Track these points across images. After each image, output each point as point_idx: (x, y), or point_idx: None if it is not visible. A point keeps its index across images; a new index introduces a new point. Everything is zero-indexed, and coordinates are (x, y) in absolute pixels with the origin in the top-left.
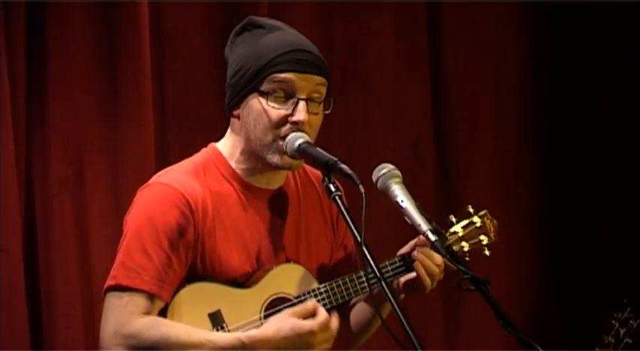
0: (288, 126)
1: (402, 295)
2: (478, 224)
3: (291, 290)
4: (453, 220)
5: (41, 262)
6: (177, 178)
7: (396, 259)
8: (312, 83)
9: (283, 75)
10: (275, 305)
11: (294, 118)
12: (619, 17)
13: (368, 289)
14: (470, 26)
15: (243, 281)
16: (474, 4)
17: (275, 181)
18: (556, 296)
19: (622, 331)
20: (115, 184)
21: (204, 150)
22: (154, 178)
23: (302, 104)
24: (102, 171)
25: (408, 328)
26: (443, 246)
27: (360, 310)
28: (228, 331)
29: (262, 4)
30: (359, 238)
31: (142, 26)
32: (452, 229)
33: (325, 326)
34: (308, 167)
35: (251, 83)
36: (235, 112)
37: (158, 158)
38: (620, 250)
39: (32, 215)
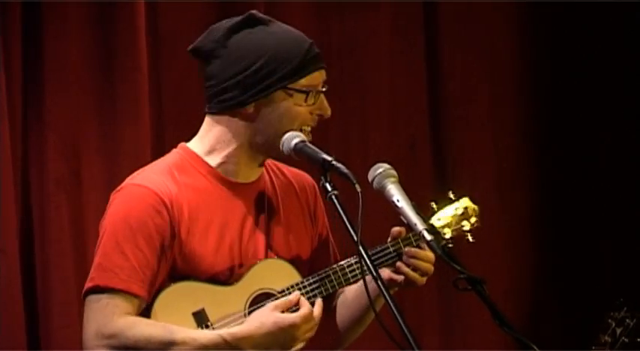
0: (314, 118)
1: (395, 289)
2: (460, 211)
3: (274, 285)
4: (434, 207)
5: (38, 262)
6: (150, 178)
7: (389, 245)
8: (324, 76)
9: (313, 73)
10: (259, 301)
11: (323, 112)
12: (619, 17)
13: (366, 289)
14: (467, 25)
15: (224, 278)
16: (471, 3)
17: (253, 175)
18: (553, 296)
19: (618, 331)
20: (111, 183)
21: (174, 151)
22: (127, 181)
23: (323, 97)
24: (98, 170)
25: (404, 327)
26: (439, 245)
27: (352, 305)
28: (213, 329)
29: (259, 3)
30: (355, 238)
31: (139, 25)
32: (434, 217)
33: (308, 318)
34: (282, 165)
35: (281, 82)
36: (242, 110)
37: (155, 157)
38: (617, 250)
39: (29, 214)
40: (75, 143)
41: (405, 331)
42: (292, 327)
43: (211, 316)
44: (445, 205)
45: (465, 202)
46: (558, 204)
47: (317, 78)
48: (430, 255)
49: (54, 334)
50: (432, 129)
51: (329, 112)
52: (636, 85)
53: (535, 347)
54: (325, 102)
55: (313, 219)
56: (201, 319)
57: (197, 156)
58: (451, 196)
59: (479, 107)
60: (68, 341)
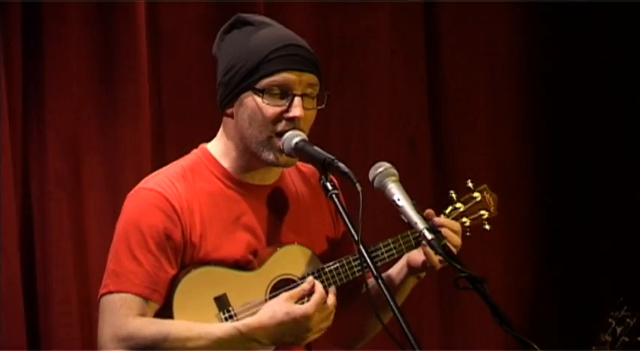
0: (284, 122)
1: (413, 279)
2: (478, 199)
3: (296, 271)
4: (454, 195)
5: (38, 260)
6: (161, 182)
7: (408, 233)
8: (305, 80)
9: (278, 73)
10: (280, 287)
11: (291, 114)
12: (618, 17)
13: (366, 287)
14: (466, 25)
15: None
16: (471, 3)
17: (270, 177)
18: (553, 295)
19: (619, 330)
20: (111, 182)
21: (193, 151)
22: (140, 184)
23: (297, 100)
24: (98, 169)
25: (404, 327)
26: (439, 244)
27: (366, 305)
28: (235, 314)
29: (259, 3)
30: (356, 237)
31: (139, 24)
32: (452, 205)
33: (321, 306)
34: (298, 163)
35: (245, 81)
36: (229, 111)
37: (154, 156)
38: (617, 249)
39: (29, 213)
40: (75, 142)
41: (406, 330)
42: (305, 317)
43: (233, 301)
44: (464, 193)
45: (483, 190)
46: (558, 204)
47: (287, 79)
48: (455, 224)
49: (54, 334)
50: (431, 128)
51: (297, 114)
52: (636, 85)
53: (535, 347)
54: (297, 104)
55: (335, 219)
56: (222, 303)
57: (213, 158)
58: (469, 184)
59: (478, 107)
60: (68, 341)
